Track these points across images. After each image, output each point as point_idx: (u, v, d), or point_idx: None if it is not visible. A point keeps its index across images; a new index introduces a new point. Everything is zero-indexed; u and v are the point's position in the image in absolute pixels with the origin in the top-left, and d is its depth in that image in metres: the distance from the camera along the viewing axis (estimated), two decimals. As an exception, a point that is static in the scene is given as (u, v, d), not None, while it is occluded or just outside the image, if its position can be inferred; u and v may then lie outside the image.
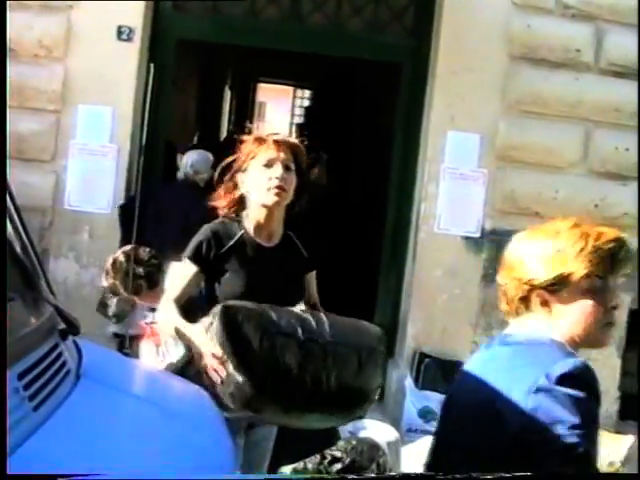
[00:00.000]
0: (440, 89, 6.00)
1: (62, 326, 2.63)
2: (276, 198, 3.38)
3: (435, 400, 5.76)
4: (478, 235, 6.00)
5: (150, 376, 3.43)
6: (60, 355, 2.51)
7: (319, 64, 10.30)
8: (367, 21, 6.26)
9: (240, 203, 3.48)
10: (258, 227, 3.46)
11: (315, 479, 1.99)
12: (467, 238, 6.02)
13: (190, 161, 6.19)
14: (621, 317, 5.56)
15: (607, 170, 6.09)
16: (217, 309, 3.14)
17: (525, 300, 2.11)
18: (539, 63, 6.00)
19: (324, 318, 3.24)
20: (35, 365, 2.29)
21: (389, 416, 5.82)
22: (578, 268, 2.04)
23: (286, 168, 3.40)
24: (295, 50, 6.95)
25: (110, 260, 4.67)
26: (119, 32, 5.78)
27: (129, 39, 5.80)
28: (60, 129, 5.83)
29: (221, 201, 3.51)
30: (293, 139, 3.59)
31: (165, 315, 3.40)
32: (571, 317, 2.07)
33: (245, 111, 16.73)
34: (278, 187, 3.37)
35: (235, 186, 3.48)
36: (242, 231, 3.44)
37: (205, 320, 3.17)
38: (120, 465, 2.08)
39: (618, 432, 5.52)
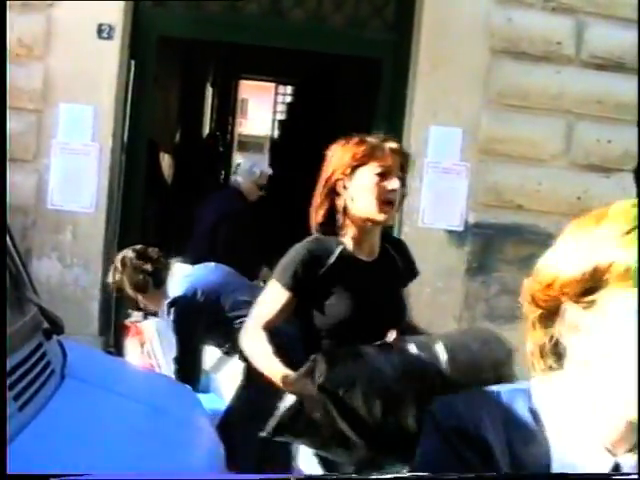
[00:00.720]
0: (422, 83, 5.99)
1: (46, 326, 2.62)
2: (387, 216, 3.00)
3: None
4: (462, 229, 5.99)
5: (135, 374, 3.43)
6: (44, 355, 2.50)
7: (300, 60, 10.28)
8: (348, 16, 6.26)
9: (342, 213, 3.02)
10: (359, 241, 3.05)
11: (314, 478, 1.98)
12: (451, 232, 6.01)
13: (245, 167, 6.51)
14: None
15: (590, 162, 6.10)
16: (323, 369, 2.71)
17: (550, 327, 1.25)
18: (520, 56, 6.00)
19: (440, 357, 2.81)
20: (19, 365, 2.28)
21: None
22: (621, 255, 1.16)
23: (400, 180, 3.01)
24: (276, 46, 6.93)
25: (119, 257, 4.67)
26: (99, 30, 5.74)
27: (109, 37, 5.76)
28: (41, 128, 5.79)
29: (317, 213, 3.05)
30: (405, 148, 3.15)
31: (258, 350, 2.94)
32: (599, 359, 1.20)
33: (227, 108, 16.70)
34: (392, 202, 2.98)
35: (335, 194, 3.02)
36: (341, 246, 3.01)
37: (306, 370, 2.75)
38: (106, 463, 2.07)
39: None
